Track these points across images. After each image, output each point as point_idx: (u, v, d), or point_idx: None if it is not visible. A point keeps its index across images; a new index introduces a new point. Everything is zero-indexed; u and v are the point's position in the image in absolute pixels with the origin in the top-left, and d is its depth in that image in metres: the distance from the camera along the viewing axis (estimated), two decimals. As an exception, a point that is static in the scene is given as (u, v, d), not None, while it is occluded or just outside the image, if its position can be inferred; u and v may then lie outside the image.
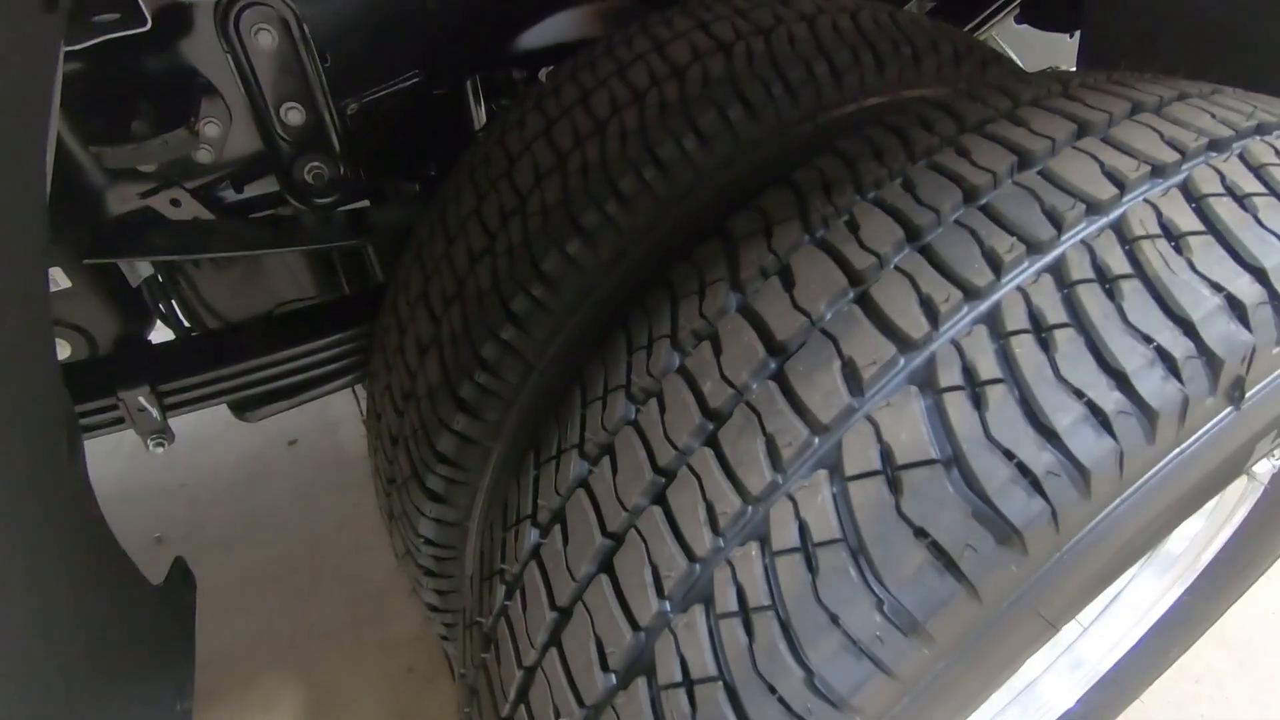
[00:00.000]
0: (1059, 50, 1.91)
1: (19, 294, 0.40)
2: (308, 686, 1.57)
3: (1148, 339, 0.45)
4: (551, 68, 1.19)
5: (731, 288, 0.61)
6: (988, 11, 1.60)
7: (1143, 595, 1.12)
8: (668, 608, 0.50)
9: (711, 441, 0.53)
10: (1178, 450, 0.46)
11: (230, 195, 1.09)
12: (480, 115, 1.23)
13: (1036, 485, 0.43)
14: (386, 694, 1.53)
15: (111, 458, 2.03)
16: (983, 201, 0.54)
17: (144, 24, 0.71)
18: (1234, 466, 0.53)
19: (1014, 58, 1.95)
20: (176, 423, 1.09)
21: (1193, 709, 1.46)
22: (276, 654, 1.63)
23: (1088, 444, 0.43)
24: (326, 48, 0.98)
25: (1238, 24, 1.04)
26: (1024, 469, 0.43)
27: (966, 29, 1.60)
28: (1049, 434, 0.43)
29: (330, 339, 1.14)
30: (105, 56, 0.77)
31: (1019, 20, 1.76)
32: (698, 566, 0.50)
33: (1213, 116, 0.59)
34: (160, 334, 1.21)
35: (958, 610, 0.43)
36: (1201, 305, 0.45)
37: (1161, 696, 1.45)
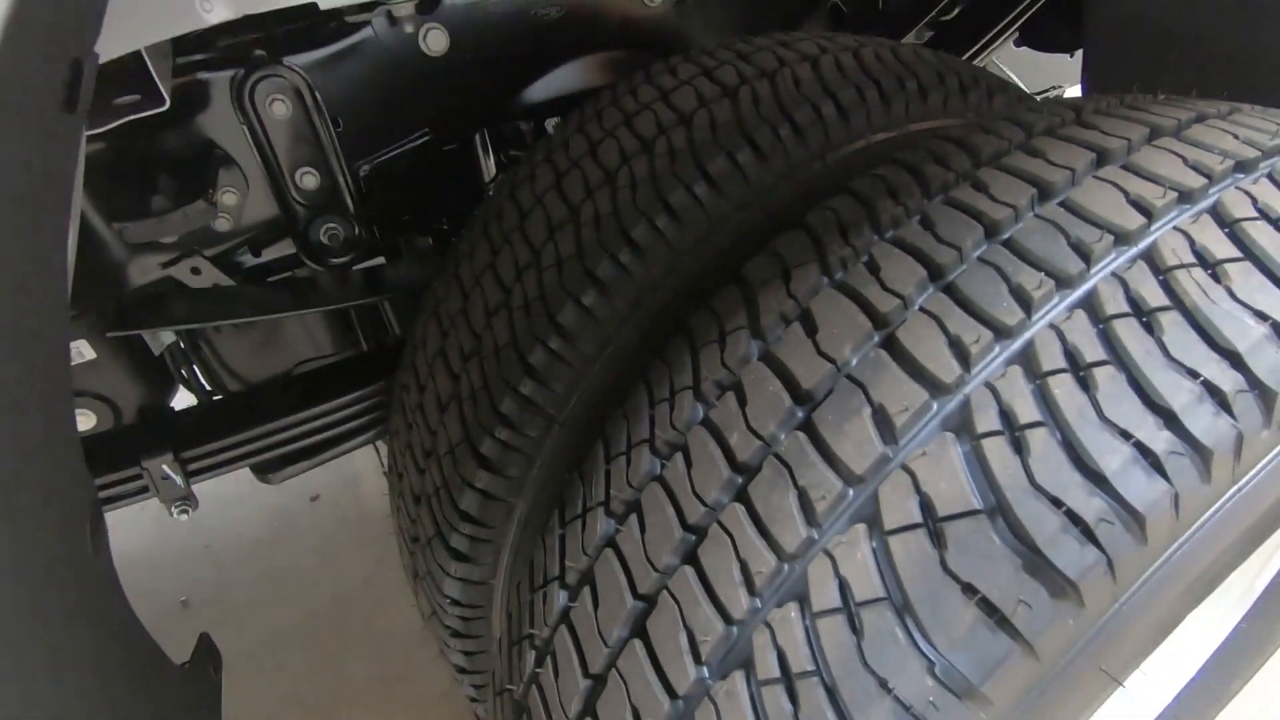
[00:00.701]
0: (1061, 71, 1.91)
1: (41, 388, 0.40)
2: (337, 750, 1.54)
3: (1193, 373, 0.43)
4: (559, 118, 1.21)
5: (752, 335, 0.59)
6: (987, 38, 1.60)
7: (1197, 625, 1.07)
8: (706, 674, 0.48)
9: (742, 496, 0.52)
10: (1235, 488, 0.44)
11: (248, 260, 1.11)
12: (489, 167, 1.24)
13: (1089, 534, 0.41)
14: (416, 755, 1.49)
15: (136, 523, 2.03)
16: (1005, 237, 0.53)
17: (163, 104, 0.72)
18: (1294, 498, 0.50)
19: (1016, 80, 1.96)
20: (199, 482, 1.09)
21: (1257, 740, 1.38)
22: (304, 717, 1.60)
23: (1140, 487, 0.41)
24: (338, 113, 1.01)
25: (1240, 40, 1.03)
26: (1074, 517, 0.41)
27: (966, 55, 1.61)
28: (1098, 479, 0.41)
29: (350, 396, 1.14)
30: (125, 135, 0.79)
31: (1019, 43, 1.77)
32: (735, 630, 0.48)
33: (1235, 137, 0.57)
34: (181, 399, 1.22)
35: (1014, 670, 0.41)
36: (1247, 335, 0.43)
37: (1223, 728, 1.38)
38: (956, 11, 1.65)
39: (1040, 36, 1.74)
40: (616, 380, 0.75)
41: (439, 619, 0.94)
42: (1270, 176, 0.53)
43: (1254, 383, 0.42)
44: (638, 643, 0.53)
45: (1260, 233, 0.48)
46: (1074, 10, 1.41)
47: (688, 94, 0.85)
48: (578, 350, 0.76)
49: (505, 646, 0.71)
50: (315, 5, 0.75)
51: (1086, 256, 0.50)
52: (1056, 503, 0.41)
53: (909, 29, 1.59)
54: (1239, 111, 0.64)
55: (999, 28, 1.66)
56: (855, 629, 0.44)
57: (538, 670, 0.61)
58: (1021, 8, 1.63)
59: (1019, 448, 0.44)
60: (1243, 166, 0.54)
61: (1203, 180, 0.52)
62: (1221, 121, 0.61)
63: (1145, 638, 0.47)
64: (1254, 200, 0.51)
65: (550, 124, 1.23)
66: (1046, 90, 2.02)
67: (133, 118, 0.72)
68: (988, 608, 0.41)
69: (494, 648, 0.92)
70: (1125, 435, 0.42)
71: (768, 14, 1.39)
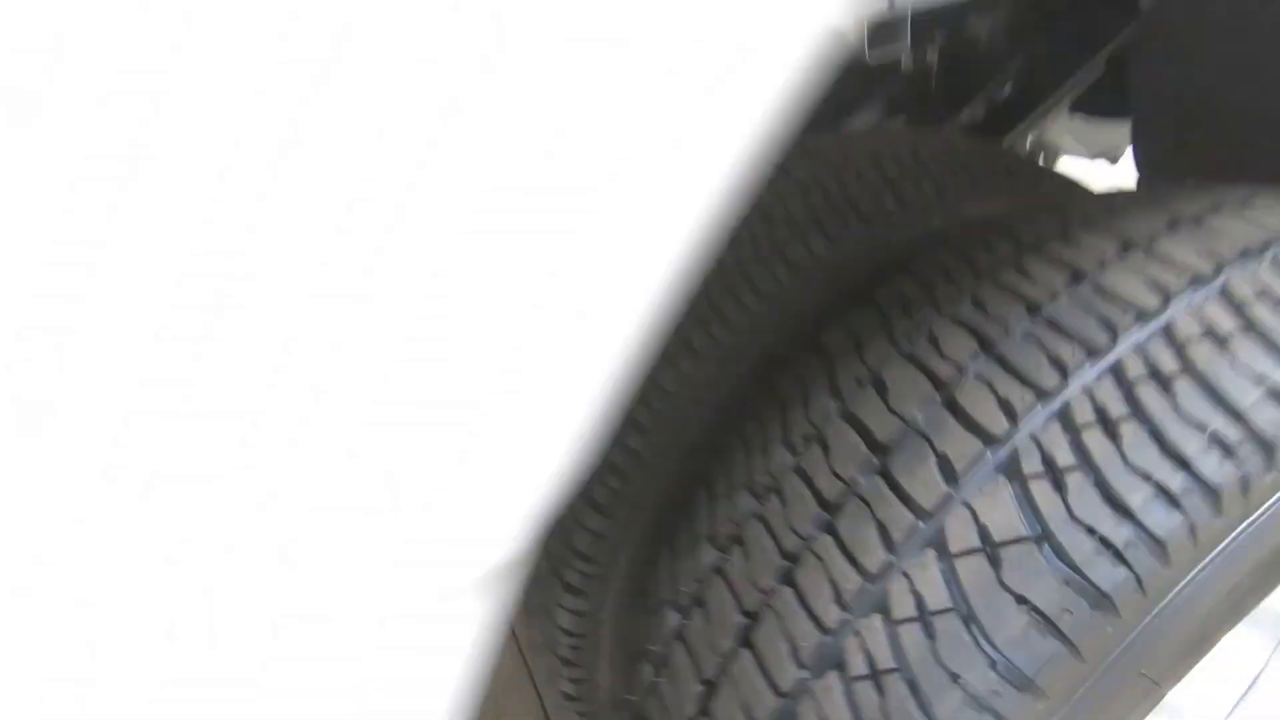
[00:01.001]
0: (1114, 136, 1.99)
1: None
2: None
3: (1203, 426, 0.53)
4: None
5: (831, 396, 0.72)
6: (1033, 114, 1.71)
7: (1249, 658, 1.08)
8: (807, 675, 0.59)
9: (830, 529, 0.63)
10: (1249, 520, 0.53)
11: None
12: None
13: (1119, 555, 0.51)
14: (509, 794, 1.58)
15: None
16: (1045, 314, 0.65)
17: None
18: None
19: (1076, 144, 2.04)
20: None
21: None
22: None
23: (1160, 518, 0.51)
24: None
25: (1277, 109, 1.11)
26: (1106, 542, 0.51)
27: (1015, 130, 1.72)
28: (1124, 511, 0.52)
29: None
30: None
31: (1071, 110, 1.86)
32: (829, 637, 0.59)
33: (1246, 224, 0.68)
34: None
35: (1063, 667, 0.51)
36: (1247, 395, 0.53)
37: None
38: (1008, 89, 1.75)
39: (1091, 103, 1.82)
40: (711, 434, 0.88)
41: (551, 650, 1.06)
42: (1274, 259, 0.63)
43: (1254, 433, 0.52)
44: (745, 651, 0.64)
45: (1261, 309, 0.58)
46: (1123, 76, 1.50)
47: (766, 191, 1.00)
48: (677, 409, 0.90)
49: (621, 664, 0.83)
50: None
51: (1113, 331, 0.60)
52: (1091, 530, 0.52)
53: (962, 107, 1.71)
54: (1254, 197, 0.74)
55: (1049, 100, 1.77)
56: (929, 634, 0.54)
57: (656, 680, 0.73)
58: (1072, 81, 1.72)
59: (1059, 487, 0.54)
60: (1248, 252, 0.64)
61: (1214, 265, 0.63)
62: (1235, 209, 0.71)
63: (1184, 648, 0.56)
64: (1257, 281, 0.61)
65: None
66: (1101, 154, 2.09)
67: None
68: (1038, 614, 0.51)
69: (598, 672, 1.03)
70: (1146, 476, 0.52)
71: (824, 102, 1.53)
